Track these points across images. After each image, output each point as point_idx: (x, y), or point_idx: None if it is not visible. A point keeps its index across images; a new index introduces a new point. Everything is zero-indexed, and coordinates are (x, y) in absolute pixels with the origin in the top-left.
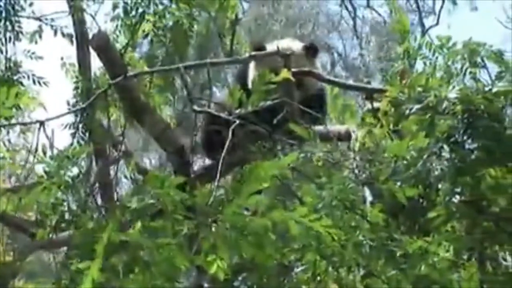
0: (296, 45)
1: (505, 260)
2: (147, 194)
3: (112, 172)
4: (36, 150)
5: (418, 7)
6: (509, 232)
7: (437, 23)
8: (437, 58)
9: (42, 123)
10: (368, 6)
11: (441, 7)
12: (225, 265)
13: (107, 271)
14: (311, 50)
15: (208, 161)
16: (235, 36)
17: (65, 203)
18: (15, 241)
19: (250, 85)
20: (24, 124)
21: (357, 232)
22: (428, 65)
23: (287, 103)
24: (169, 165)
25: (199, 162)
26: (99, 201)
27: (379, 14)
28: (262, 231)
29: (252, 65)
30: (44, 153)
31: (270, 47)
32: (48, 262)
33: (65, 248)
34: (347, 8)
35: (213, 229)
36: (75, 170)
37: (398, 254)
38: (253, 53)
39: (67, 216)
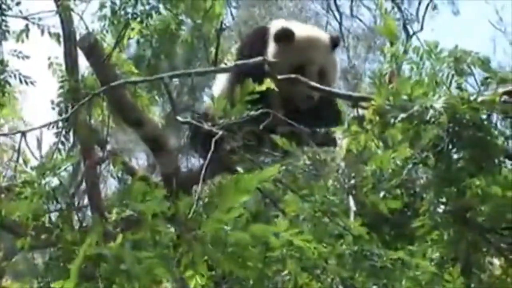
0: (323, 35)
1: (491, 264)
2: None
3: (98, 172)
4: (18, 160)
5: (402, 14)
6: (494, 242)
7: (421, 29)
8: (424, 63)
9: (23, 134)
10: (352, 15)
11: (424, 13)
12: (204, 280)
13: (86, 281)
14: (334, 42)
15: (197, 162)
16: (220, 45)
17: (46, 214)
18: (1, 241)
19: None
20: (6, 135)
21: (340, 243)
22: (416, 69)
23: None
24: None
25: (188, 163)
26: (86, 201)
27: (362, 22)
28: (242, 246)
29: (272, 46)
30: (26, 163)
31: (297, 31)
32: (34, 261)
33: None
34: (333, 14)
35: (193, 243)
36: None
37: (379, 267)
38: (238, 62)
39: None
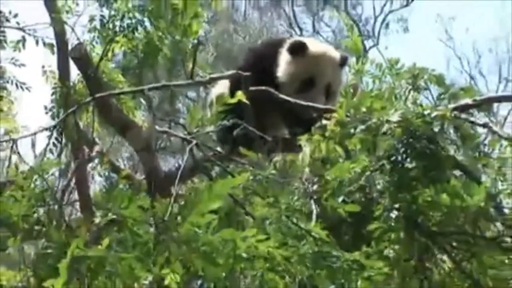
0: (334, 53)
1: (444, 261)
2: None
3: (87, 170)
4: (9, 165)
5: (359, 30)
6: (443, 245)
7: (377, 43)
8: (385, 77)
9: (14, 141)
10: (314, 31)
11: (379, 30)
12: (178, 277)
13: (72, 279)
14: (343, 61)
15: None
16: (196, 60)
17: (34, 215)
18: None
19: (280, 75)
20: None
21: (302, 244)
22: (377, 83)
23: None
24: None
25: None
26: (76, 197)
27: (323, 37)
28: (213, 247)
29: (285, 58)
30: (17, 167)
31: (311, 45)
32: (25, 252)
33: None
34: (294, 30)
35: (169, 244)
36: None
37: (336, 267)
38: (213, 75)
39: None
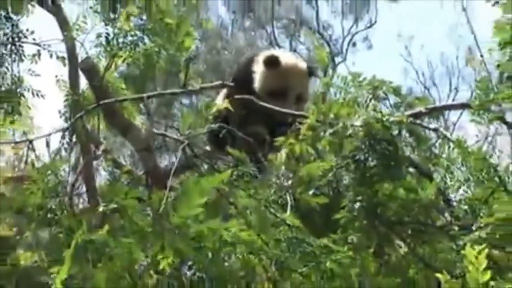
0: (303, 64)
1: (400, 246)
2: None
3: (94, 166)
4: (26, 163)
5: (330, 48)
6: (399, 232)
7: (345, 59)
8: (350, 88)
9: (31, 142)
10: (291, 49)
11: (347, 48)
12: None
13: (77, 262)
14: (311, 72)
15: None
16: (189, 71)
17: (47, 205)
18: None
19: (256, 86)
20: (15, 143)
21: (278, 231)
22: (342, 94)
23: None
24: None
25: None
26: (84, 189)
27: (299, 54)
28: (201, 235)
29: (260, 69)
30: (33, 165)
31: (283, 59)
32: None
33: None
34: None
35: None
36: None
37: (308, 251)
38: (202, 85)
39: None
